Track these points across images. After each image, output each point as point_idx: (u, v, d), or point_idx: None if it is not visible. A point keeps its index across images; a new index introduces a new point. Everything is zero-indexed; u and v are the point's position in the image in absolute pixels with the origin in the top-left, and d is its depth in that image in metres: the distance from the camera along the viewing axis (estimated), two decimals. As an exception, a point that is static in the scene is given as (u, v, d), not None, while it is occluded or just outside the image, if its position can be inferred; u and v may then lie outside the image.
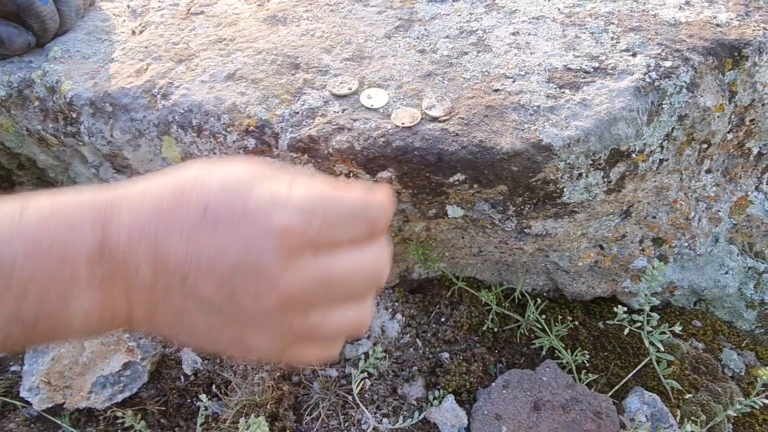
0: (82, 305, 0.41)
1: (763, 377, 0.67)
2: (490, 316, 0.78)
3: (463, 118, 0.61)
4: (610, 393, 0.72)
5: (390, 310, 0.78)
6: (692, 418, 0.72)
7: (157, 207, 0.43)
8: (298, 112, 0.64)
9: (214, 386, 0.73)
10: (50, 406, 0.70)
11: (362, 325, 0.47)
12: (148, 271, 0.42)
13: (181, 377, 0.74)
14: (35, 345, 0.43)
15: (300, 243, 0.42)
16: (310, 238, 0.42)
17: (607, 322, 0.81)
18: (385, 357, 0.73)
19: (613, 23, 0.68)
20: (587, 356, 0.74)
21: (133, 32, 0.80)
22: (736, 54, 0.65)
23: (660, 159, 0.65)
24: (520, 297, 0.81)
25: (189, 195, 0.43)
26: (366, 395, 0.71)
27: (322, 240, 0.43)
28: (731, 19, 0.67)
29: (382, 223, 0.45)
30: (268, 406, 0.68)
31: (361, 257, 0.45)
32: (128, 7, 0.85)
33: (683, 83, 0.62)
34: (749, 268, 0.81)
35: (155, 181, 0.46)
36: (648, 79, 0.61)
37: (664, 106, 0.61)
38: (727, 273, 0.80)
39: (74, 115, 0.73)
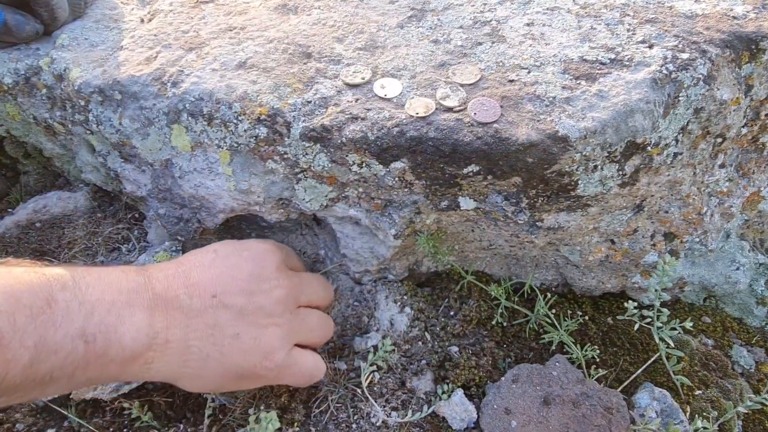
0: (134, 323, 0.53)
1: (775, 374, 0.66)
2: (499, 311, 0.77)
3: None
4: (620, 388, 0.72)
5: (399, 303, 0.77)
6: (702, 414, 0.71)
7: (178, 260, 0.62)
8: (310, 101, 0.63)
9: (221, 378, 0.72)
10: (56, 396, 0.69)
11: (329, 327, 0.70)
12: (185, 296, 0.57)
13: (188, 369, 0.74)
14: (87, 374, 0.52)
15: (281, 258, 0.66)
16: (283, 257, 0.67)
17: (616, 317, 0.81)
18: (394, 350, 0.73)
19: (628, 15, 0.68)
20: (597, 351, 0.74)
21: (142, 20, 0.79)
22: (753, 47, 0.64)
23: (675, 152, 0.64)
24: (530, 291, 0.80)
25: (198, 251, 0.63)
26: (375, 388, 0.70)
27: (288, 262, 0.68)
28: (748, 12, 0.66)
29: (304, 265, 0.77)
30: (277, 399, 0.68)
31: (313, 274, 0.72)
32: (136, -5, 0.84)
33: (700, 75, 0.61)
34: (760, 264, 0.81)
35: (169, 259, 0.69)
36: (665, 71, 0.60)
37: (680, 98, 0.61)
38: (738, 269, 0.79)
39: (82, 103, 0.72)
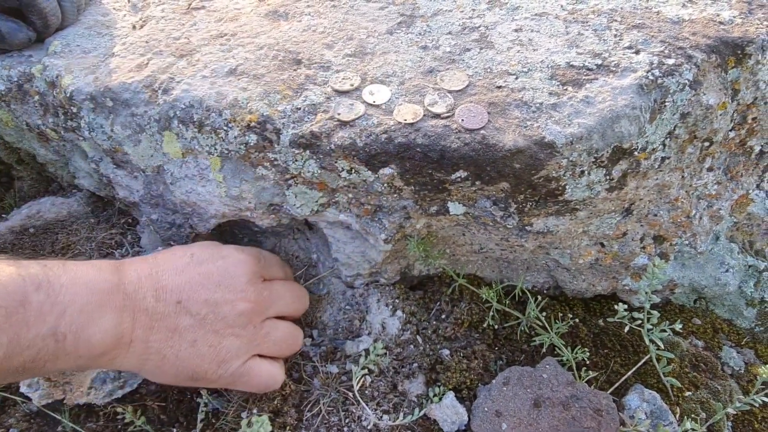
0: (103, 324, 0.56)
1: (763, 375, 0.67)
2: (491, 313, 0.78)
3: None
4: (610, 390, 0.72)
5: (390, 306, 0.78)
6: (692, 415, 0.72)
7: (155, 258, 0.65)
8: (299, 108, 0.64)
9: (214, 382, 0.73)
10: (50, 401, 0.70)
11: (296, 338, 0.71)
12: (152, 299, 0.60)
13: (182, 373, 0.74)
14: (57, 366, 0.55)
15: (256, 270, 0.67)
16: (260, 267, 0.68)
17: (607, 319, 0.81)
18: (385, 354, 0.73)
19: (616, 20, 0.68)
20: (587, 354, 0.74)
21: (134, 27, 0.79)
22: (739, 52, 0.64)
23: (662, 157, 0.65)
24: (521, 294, 0.80)
25: (177, 250, 0.67)
26: (366, 392, 0.71)
27: (266, 271, 0.70)
28: (734, 17, 0.67)
29: (290, 270, 0.78)
30: (270, 403, 0.68)
31: (290, 285, 0.73)
32: (129, 1, 0.84)
33: (686, 81, 0.62)
34: (749, 266, 0.82)
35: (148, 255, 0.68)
36: (651, 77, 0.61)
37: (666, 103, 0.61)
38: (727, 271, 0.80)
39: (74, 110, 0.72)
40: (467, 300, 0.80)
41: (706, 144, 0.69)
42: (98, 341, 0.56)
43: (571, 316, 0.80)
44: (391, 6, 0.76)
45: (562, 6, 0.71)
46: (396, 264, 0.78)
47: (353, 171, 0.63)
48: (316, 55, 0.70)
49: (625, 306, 0.70)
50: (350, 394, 0.70)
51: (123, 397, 0.71)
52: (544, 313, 0.79)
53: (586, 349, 0.74)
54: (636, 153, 0.62)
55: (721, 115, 0.66)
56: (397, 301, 0.78)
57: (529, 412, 0.68)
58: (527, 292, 0.79)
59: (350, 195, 0.67)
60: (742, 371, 0.80)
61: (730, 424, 0.74)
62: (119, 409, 0.70)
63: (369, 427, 0.68)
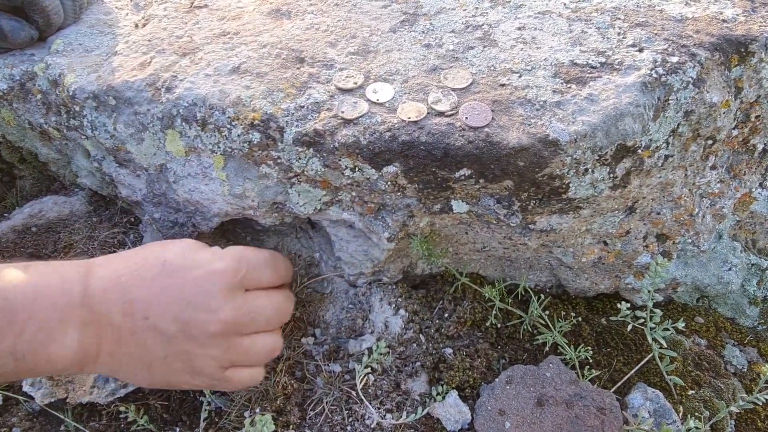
0: (64, 342, 0.54)
1: (766, 374, 0.67)
2: (494, 312, 0.78)
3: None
4: (613, 389, 0.72)
5: (393, 305, 0.78)
6: (695, 414, 0.72)
7: (125, 262, 0.60)
8: (303, 106, 0.64)
9: (217, 381, 0.73)
10: (52, 400, 0.70)
11: (276, 349, 0.66)
12: (119, 314, 0.57)
13: (184, 372, 0.74)
14: (20, 378, 0.57)
15: (234, 282, 0.60)
16: (240, 278, 0.61)
17: (610, 318, 0.81)
18: (388, 352, 0.73)
19: (619, 18, 0.68)
20: (590, 352, 0.74)
21: (136, 25, 0.79)
22: (742, 50, 0.64)
23: (665, 155, 0.65)
24: (524, 293, 0.80)
25: (150, 255, 0.61)
26: (369, 391, 0.71)
27: (248, 280, 0.62)
28: (738, 15, 0.67)
29: (284, 271, 0.69)
30: (273, 402, 0.68)
31: (274, 297, 0.65)
32: (131, 0, 0.84)
33: (690, 79, 0.62)
34: (752, 264, 0.81)
35: (124, 251, 0.63)
36: (654, 75, 0.61)
37: (670, 101, 0.61)
38: (730, 270, 0.80)
39: (77, 109, 0.72)
40: (470, 299, 0.80)
41: (710, 142, 0.69)
42: (59, 357, 0.55)
43: (573, 314, 0.80)
44: (394, 4, 0.76)
45: (565, 4, 0.71)
46: (399, 263, 0.78)
47: (357, 169, 0.62)
48: (319, 53, 0.70)
49: (628, 304, 0.70)
50: (353, 393, 0.70)
51: (126, 396, 0.71)
52: (547, 312, 0.79)
53: (589, 347, 0.74)
54: (640, 151, 0.62)
55: (724, 113, 0.66)
56: (399, 299, 0.78)
57: (533, 410, 0.68)
58: (530, 291, 0.79)
59: (353, 193, 0.67)
60: (745, 370, 0.80)
61: (733, 422, 0.74)
62: (122, 408, 0.70)
63: (372, 426, 0.68)
